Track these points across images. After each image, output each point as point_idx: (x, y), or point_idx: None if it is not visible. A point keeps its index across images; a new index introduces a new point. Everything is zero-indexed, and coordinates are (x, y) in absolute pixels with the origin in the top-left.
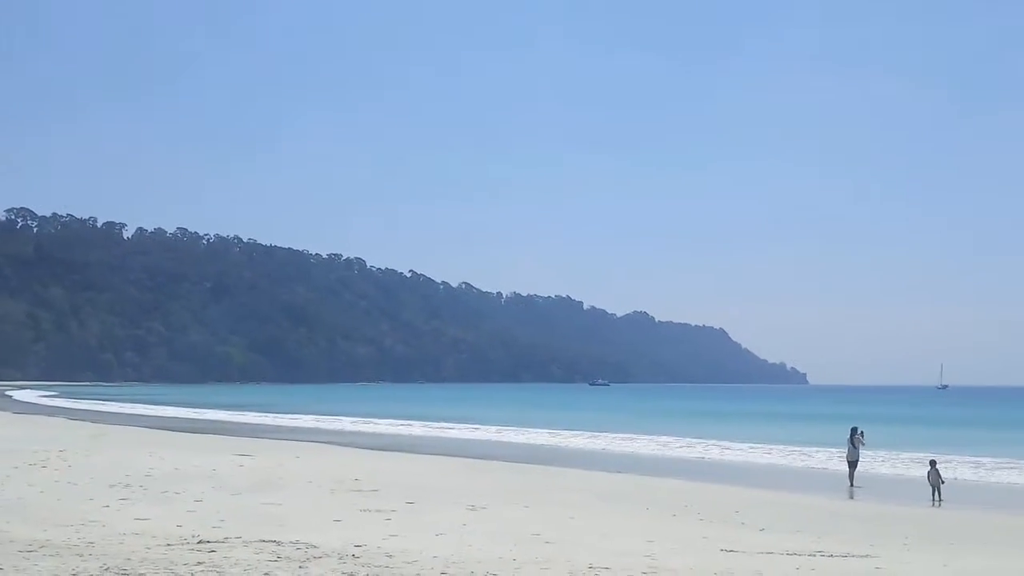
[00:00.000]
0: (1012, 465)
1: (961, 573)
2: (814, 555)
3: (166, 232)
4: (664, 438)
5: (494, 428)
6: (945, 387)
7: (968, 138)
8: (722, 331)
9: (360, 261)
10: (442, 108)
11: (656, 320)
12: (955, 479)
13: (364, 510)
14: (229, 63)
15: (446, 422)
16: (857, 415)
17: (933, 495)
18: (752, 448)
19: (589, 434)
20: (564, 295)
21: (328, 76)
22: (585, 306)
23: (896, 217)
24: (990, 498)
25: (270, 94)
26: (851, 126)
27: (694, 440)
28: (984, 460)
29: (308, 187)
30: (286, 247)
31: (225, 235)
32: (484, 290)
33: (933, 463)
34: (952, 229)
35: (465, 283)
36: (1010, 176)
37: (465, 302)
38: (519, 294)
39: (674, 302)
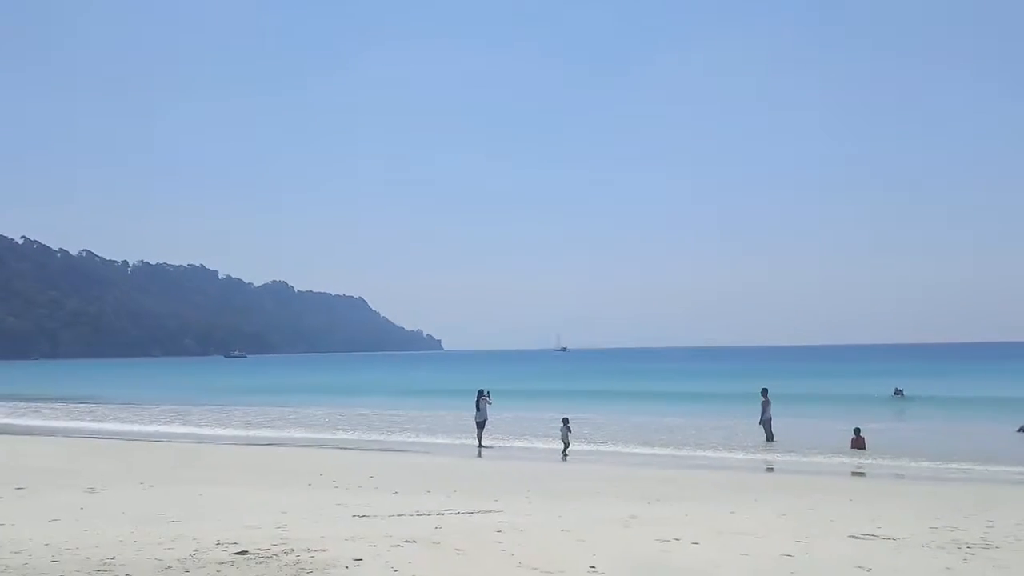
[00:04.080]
0: (623, 421)
1: (573, 520)
2: (443, 513)
3: None
4: (301, 410)
5: (117, 406)
6: (564, 350)
7: (579, 111)
8: (362, 300)
9: None
10: (70, 60)
11: (296, 290)
12: (582, 434)
13: None
14: None
15: (63, 402)
16: (485, 378)
17: (563, 451)
18: (390, 414)
19: (219, 409)
20: (197, 263)
21: None
22: (220, 275)
23: (519, 188)
24: (607, 455)
25: None
26: (479, 97)
27: (327, 409)
28: (599, 418)
29: None
30: None
31: None
32: (107, 258)
33: (566, 420)
34: (567, 200)
35: (86, 250)
36: (620, 147)
37: (86, 271)
38: (147, 262)
39: (314, 271)
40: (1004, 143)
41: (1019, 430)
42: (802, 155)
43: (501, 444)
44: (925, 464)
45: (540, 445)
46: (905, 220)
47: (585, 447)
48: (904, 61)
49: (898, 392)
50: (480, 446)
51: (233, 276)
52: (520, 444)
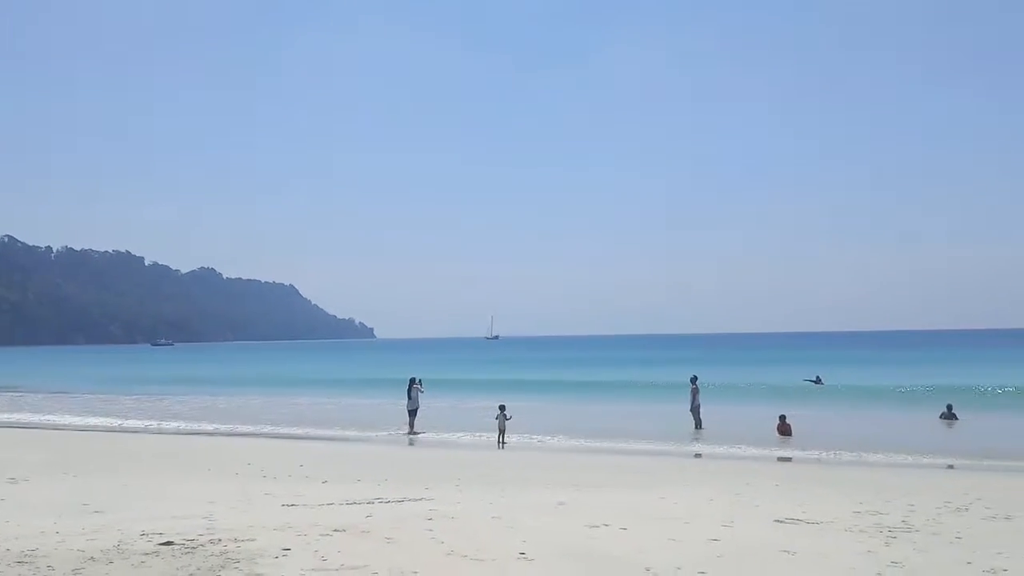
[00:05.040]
0: (555, 408)
1: (503, 507)
2: (372, 502)
3: None
4: (229, 399)
5: (39, 395)
6: (496, 337)
7: (508, 107)
8: (292, 287)
9: None
10: None
11: (224, 277)
12: (515, 422)
13: None
14: None
15: None
16: (418, 366)
17: (499, 439)
18: (321, 402)
19: (145, 398)
20: (123, 250)
21: None
22: (147, 262)
23: (451, 177)
24: (540, 443)
25: None
26: (417, 86)
27: (256, 398)
28: (531, 406)
29: None
30: None
31: None
32: (31, 244)
33: (502, 407)
34: (500, 189)
35: (8, 236)
36: (559, 140)
37: (8, 257)
38: (71, 248)
39: (243, 258)
40: (967, 140)
41: (941, 417)
42: (746, 148)
43: (433, 432)
44: (849, 450)
45: (472, 433)
46: (859, 212)
47: (518, 435)
48: (875, 56)
49: (817, 380)
50: (412, 434)
51: (160, 263)
52: (452, 432)
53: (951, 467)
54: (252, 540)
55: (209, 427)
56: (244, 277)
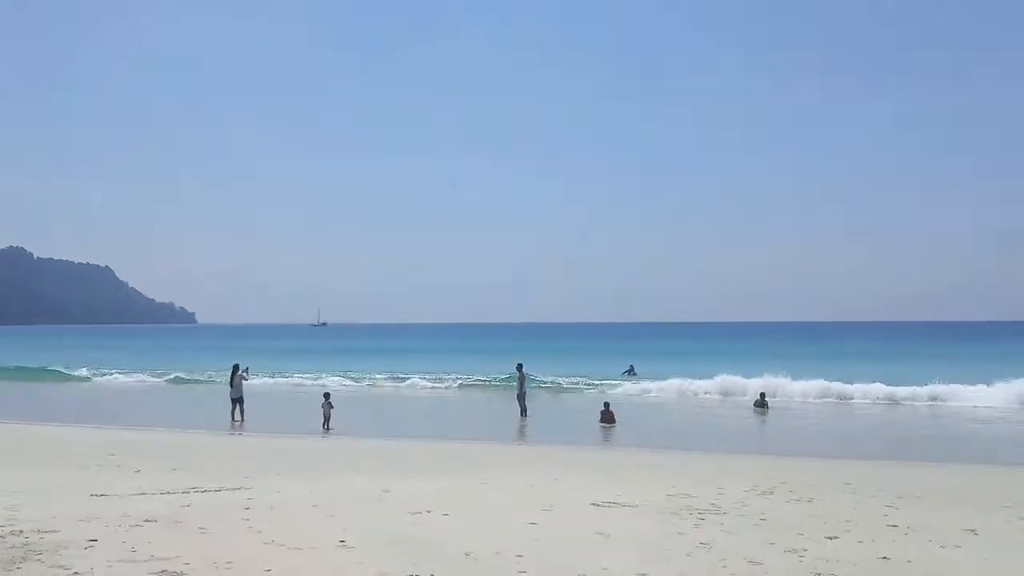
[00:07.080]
0: (382, 396)
1: (325, 496)
2: (188, 492)
3: None
4: (38, 385)
5: None
6: (324, 324)
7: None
8: (108, 269)
9: None
10: None
11: (36, 256)
12: (340, 410)
13: None
14: None
15: None
16: (239, 351)
17: (324, 425)
18: (137, 388)
19: None
20: None
21: None
22: None
23: (277, 159)
24: (365, 431)
25: None
26: (297, 75)
27: (66, 384)
28: (357, 394)
29: None
30: None
31: None
32: None
33: (327, 395)
34: (327, 175)
35: None
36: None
37: None
38: None
39: (56, 237)
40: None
41: (755, 405)
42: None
43: (254, 421)
44: (665, 437)
45: (295, 422)
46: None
47: (344, 423)
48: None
49: (631, 371)
50: (234, 421)
51: None
52: (274, 421)
53: (760, 453)
54: (55, 531)
55: (10, 415)
56: (56, 257)
